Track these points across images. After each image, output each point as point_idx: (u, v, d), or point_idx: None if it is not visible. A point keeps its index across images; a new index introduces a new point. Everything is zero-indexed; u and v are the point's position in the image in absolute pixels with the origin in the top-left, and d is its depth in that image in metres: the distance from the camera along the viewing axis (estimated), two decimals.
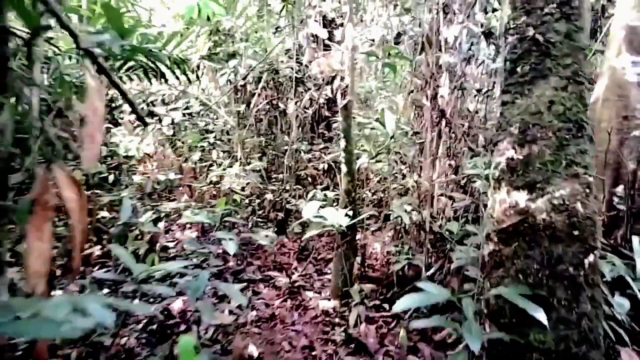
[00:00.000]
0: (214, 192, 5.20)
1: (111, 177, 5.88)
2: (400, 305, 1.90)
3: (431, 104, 3.47)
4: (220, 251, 5.05)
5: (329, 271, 4.49)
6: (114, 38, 1.89)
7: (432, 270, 3.75)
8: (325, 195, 4.13)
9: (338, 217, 3.14)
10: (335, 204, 3.99)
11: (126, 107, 6.79)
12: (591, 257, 2.03)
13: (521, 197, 2.11)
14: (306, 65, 5.58)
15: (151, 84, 8.13)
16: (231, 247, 2.40)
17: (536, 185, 2.07)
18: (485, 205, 4.21)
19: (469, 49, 4.35)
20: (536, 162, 2.08)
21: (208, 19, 6.82)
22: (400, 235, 3.98)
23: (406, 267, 3.81)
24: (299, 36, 5.03)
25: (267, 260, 4.91)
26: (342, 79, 3.63)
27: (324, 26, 6.10)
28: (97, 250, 4.89)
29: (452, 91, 3.64)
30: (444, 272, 3.79)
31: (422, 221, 3.78)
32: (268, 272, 4.58)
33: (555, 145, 2.07)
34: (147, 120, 6.64)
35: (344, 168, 3.91)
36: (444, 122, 3.61)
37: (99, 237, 5.02)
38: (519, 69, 2.20)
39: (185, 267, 2.14)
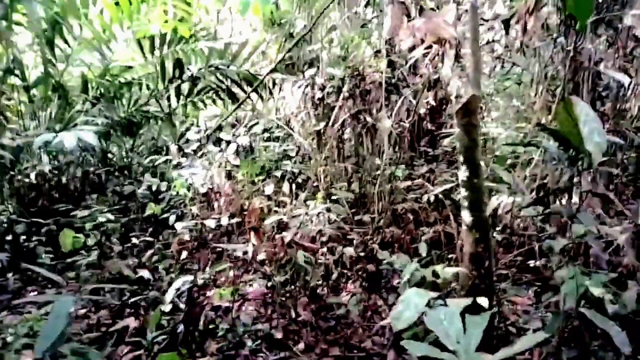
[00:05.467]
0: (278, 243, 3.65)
1: (172, 219, 4.62)
2: None
3: None
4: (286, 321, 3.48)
5: None
6: None
7: None
8: (431, 268, 2.33)
9: (466, 341, 1.38)
10: (450, 282, 2.20)
11: (190, 135, 5.59)
12: None
13: None
14: (388, 43, 3.83)
15: (225, 106, 6.95)
16: None
17: None
18: None
19: None
20: None
21: (272, 22, 5.42)
22: (576, 334, 2.08)
23: None
24: None
25: (350, 340, 3.23)
26: (457, 57, 1.90)
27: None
28: (132, 323, 3.57)
29: None
30: None
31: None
32: None
33: None
34: (212, 148, 5.38)
35: (466, 216, 2.13)
36: None
37: (136, 306, 3.72)
38: None
39: None
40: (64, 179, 6.08)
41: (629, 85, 2.80)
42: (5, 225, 4.83)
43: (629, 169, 3.17)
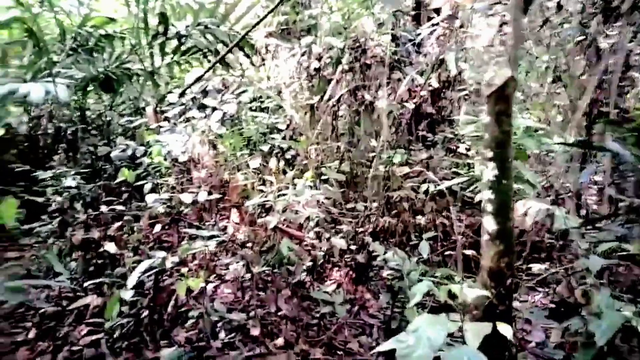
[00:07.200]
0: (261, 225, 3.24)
1: (147, 187, 4.16)
2: None
3: None
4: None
5: None
6: None
7: None
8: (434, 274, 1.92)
9: None
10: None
11: (171, 98, 5.07)
12: None
13: None
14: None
15: (214, 70, 6.40)
16: None
17: None
18: None
19: None
20: None
21: None
22: None
23: None
24: None
25: (335, 339, 2.89)
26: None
27: None
28: (95, 301, 3.17)
29: None
30: None
31: None
32: None
33: None
34: (195, 114, 4.87)
35: (490, 224, 1.75)
36: None
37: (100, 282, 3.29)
38: None
39: None
40: (35, 134, 5.57)
41: None
42: None
43: None
